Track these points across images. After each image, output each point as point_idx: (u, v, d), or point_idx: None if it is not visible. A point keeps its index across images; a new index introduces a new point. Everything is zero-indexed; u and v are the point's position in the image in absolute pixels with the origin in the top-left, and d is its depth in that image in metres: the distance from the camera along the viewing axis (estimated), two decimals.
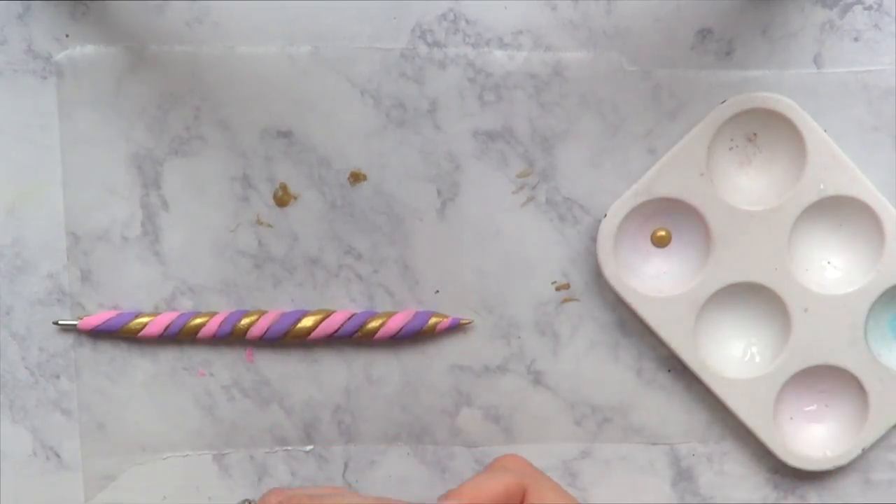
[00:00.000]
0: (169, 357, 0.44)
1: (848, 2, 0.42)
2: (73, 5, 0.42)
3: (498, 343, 0.44)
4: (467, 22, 0.42)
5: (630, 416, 0.45)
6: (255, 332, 0.43)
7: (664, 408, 0.45)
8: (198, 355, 0.44)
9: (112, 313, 0.43)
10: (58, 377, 0.44)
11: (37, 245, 0.43)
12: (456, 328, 0.44)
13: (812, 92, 0.43)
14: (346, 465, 0.45)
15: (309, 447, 0.45)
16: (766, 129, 0.43)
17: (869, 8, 0.42)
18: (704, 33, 0.42)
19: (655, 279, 0.44)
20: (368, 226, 0.43)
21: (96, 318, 0.43)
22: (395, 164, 0.43)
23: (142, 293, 0.44)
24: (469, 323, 0.44)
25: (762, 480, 0.45)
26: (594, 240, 0.43)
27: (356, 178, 0.43)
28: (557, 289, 0.44)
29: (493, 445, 0.45)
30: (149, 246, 0.43)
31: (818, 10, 0.42)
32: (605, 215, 0.42)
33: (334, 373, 0.44)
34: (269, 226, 0.43)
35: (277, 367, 0.44)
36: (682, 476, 0.45)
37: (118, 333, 0.43)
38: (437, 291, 0.44)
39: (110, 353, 0.44)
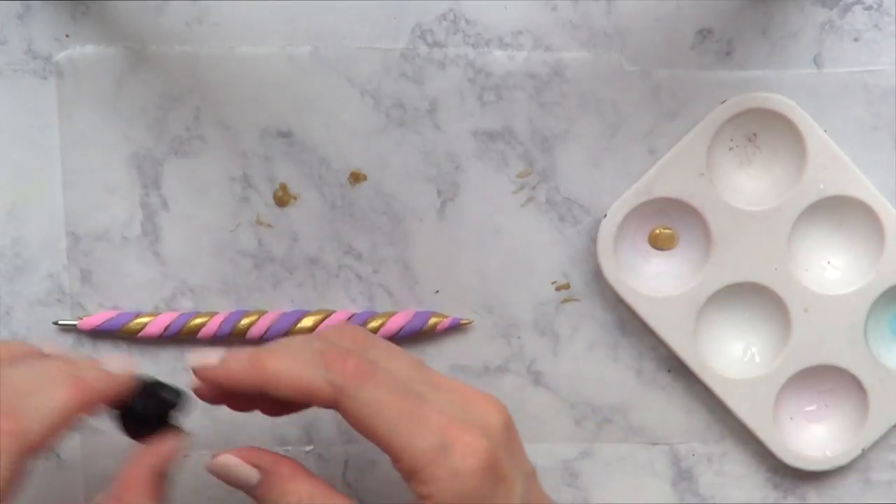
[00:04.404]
0: (169, 357, 0.44)
1: (848, 2, 0.42)
2: (73, 5, 0.42)
3: (498, 343, 0.44)
4: (467, 22, 0.42)
5: (630, 417, 0.45)
6: (255, 332, 0.43)
7: (664, 408, 0.45)
8: None
9: (112, 313, 0.43)
10: None
11: (37, 245, 0.43)
12: (456, 328, 0.44)
13: (812, 92, 0.43)
14: (345, 465, 0.45)
15: (309, 447, 0.45)
16: (766, 129, 0.43)
17: (869, 8, 0.42)
18: (704, 33, 0.42)
19: (655, 279, 0.44)
20: (368, 226, 0.43)
21: (96, 318, 0.43)
22: (395, 164, 0.43)
23: (142, 293, 0.44)
24: (469, 323, 0.44)
25: (762, 480, 0.45)
26: (594, 240, 0.43)
27: (356, 178, 0.43)
28: (557, 289, 0.44)
29: None
30: (149, 246, 0.43)
31: (818, 10, 0.42)
32: (605, 215, 0.42)
33: None
34: (269, 226, 0.43)
35: None
36: (682, 476, 0.45)
37: (118, 333, 0.43)
38: (437, 291, 0.44)
39: (110, 353, 0.44)
